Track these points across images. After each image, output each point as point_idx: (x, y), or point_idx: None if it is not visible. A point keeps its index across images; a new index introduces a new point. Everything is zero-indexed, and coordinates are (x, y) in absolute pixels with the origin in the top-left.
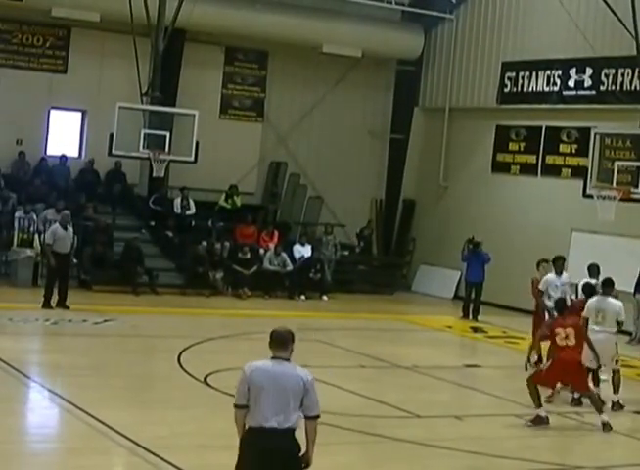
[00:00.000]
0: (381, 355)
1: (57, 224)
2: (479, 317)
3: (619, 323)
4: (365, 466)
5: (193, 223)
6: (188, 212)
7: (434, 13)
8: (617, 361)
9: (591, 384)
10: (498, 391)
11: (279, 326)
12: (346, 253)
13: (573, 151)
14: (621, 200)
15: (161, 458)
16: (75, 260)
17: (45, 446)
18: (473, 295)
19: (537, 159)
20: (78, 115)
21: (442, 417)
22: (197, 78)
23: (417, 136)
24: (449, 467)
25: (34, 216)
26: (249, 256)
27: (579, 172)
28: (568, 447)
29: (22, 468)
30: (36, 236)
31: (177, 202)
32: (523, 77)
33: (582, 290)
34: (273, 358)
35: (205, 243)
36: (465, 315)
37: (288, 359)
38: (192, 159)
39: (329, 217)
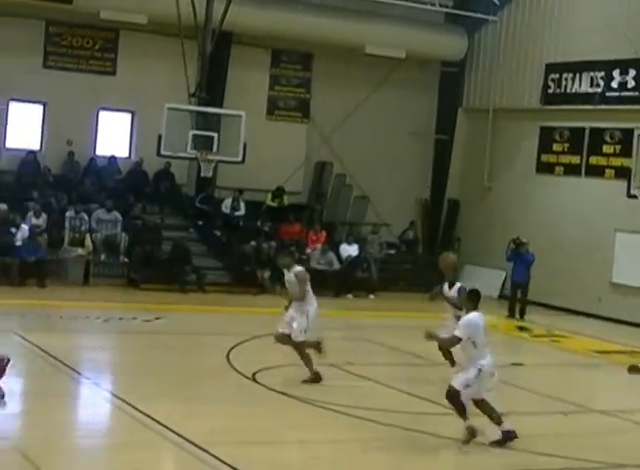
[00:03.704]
0: (426, 353)
1: None
2: (525, 317)
3: None
4: (407, 463)
5: (241, 223)
6: (237, 213)
7: (478, 15)
8: None
9: None
10: (543, 389)
11: None
12: (392, 252)
13: (617, 152)
14: None
15: (209, 453)
16: (125, 259)
17: (95, 441)
18: (518, 295)
19: (581, 159)
20: (128, 116)
21: None
22: (243, 80)
23: (461, 137)
24: (492, 464)
25: (85, 216)
26: (296, 255)
27: (623, 173)
28: (613, 446)
29: (73, 463)
30: (87, 235)
31: (227, 202)
32: (566, 79)
33: None
34: None
35: (252, 242)
36: (511, 315)
37: None
38: (239, 159)
39: (374, 217)
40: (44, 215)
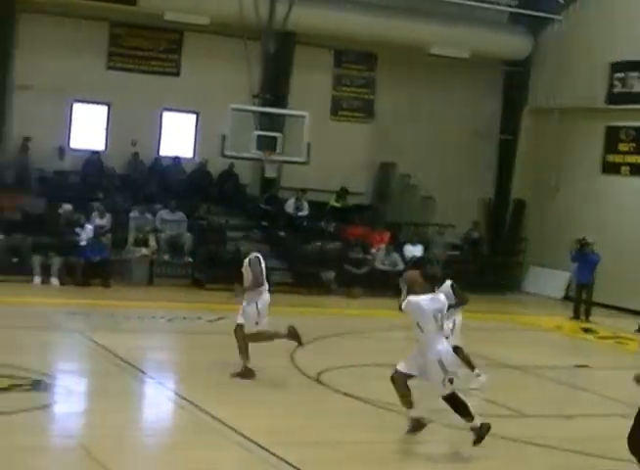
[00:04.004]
0: (490, 355)
1: None
2: (590, 318)
3: None
4: (467, 463)
5: (304, 223)
6: (301, 213)
7: (542, 14)
8: None
9: None
10: (607, 391)
11: None
12: (457, 253)
13: None
14: None
15: (272, 453)
16: (189, 259)
17: (159, 440)
18: (583, 296)
19: None
20: (192, 117)
21: (549, 416)
22: (307, 80)
23: (526, 137)
24: (552, 466)
25: (149, 216)
26: (360, 255)
27: None
28: None
29: (138, 461)
30: (151, 235)
31: (291, 202)
32: (632, 78)
33: None
34: None
35: (317, 243)
36: (575, 316)
37: None
38: (303, 160)
39: (438, 217)
40: (108, 216)
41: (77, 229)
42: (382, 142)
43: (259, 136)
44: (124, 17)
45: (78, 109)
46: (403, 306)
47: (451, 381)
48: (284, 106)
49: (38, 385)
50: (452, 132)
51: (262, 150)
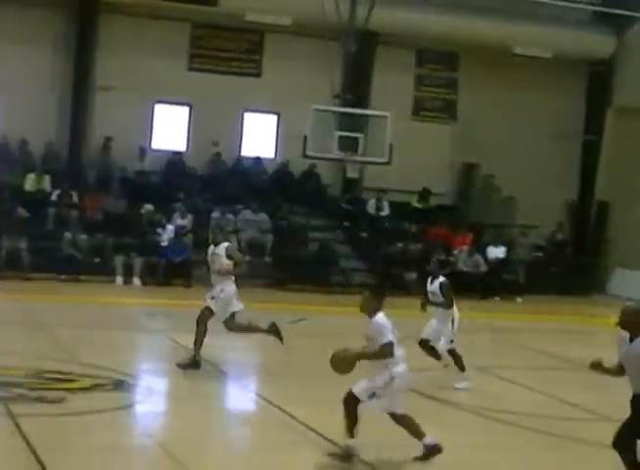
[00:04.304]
0: (573, 357)
1: None
2: None
3: None
4: (547, 467)
5: (386, 224)
6: (381, 213)
7: (626, 12)
8: None
9: None
10: None
11: None
12: (540, 254)
13: None
14: None
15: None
16: (270, 260)
17: (239, 441)
18: None
19: None
20: (273, 117)
21: None
22: (388, 80)
23: (610, 137)
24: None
25: (230, 216)
26: (442, 257)
27: None
28: None
29: (217, 463)
30: (232, 236)
31: (371, 203)
32: None
33: None
34: None
35: (398, 244)
36: None
37: None
38: (385, 160)
39: (521, 218)
40: (190, 216)
41: (159, 229)
42: (464, 142)
43: (341, 137)
44: (205, 18)
45: (160, 109)
46: (384, 326)
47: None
48: (365, 106)
49: (120, 385)
50: (535, 132)
51: (344, 150)
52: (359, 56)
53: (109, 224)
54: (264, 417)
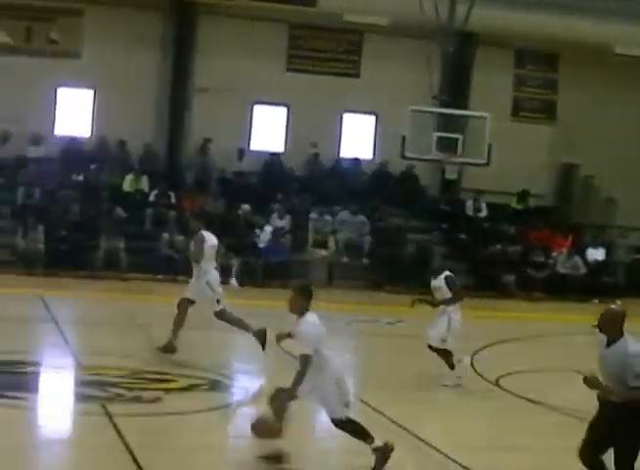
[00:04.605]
0: None
1: None
2: None
3: None
4: None
5: (485, 225)
6: (480, 215)
7: None
8: None
9: None
10: None
11: None
12: None
13: None
14: None
15: (450, 458)
16: (367, 261)
17: (331, 442)
18: None
19: None
20: (371, 118)
21: None
22: (487, 81)
23: None
24: None
25: (328, 217)
26: (542, 258)
27: None
28: None
29: (310, 463)
30: (330, 237)
31: (469, 204)
32: None
33: None
34: None
35: (497, 245)
36: None
37: None
38: (484, 161)
39: (621, 220)
40: (288, 217)
41: (257, 230)
42: (564, 143)
43: (439, 137)
44: (304, 18)
45: (258, 110)
46: (309, 332)
47: (347, 404)
48: (464, 107)
49: (216, 385)
50: (636, 133)
51: (442, 151)
52: (458, 56)
53: (207, 225)
54: (359, 418)
